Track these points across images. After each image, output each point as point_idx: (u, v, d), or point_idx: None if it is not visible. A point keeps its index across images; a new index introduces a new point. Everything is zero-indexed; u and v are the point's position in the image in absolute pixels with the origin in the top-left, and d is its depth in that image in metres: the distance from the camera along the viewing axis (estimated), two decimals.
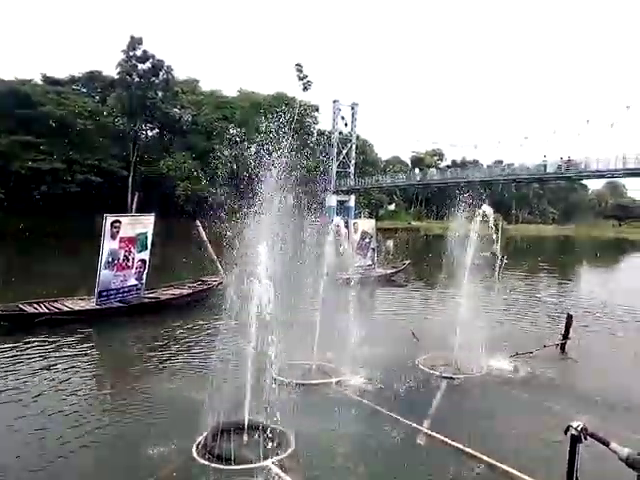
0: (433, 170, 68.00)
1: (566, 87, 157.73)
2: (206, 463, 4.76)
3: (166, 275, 15.08)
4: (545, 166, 46.79)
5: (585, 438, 4.02)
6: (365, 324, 9.40)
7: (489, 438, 5.62)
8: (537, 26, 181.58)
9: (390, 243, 38.62)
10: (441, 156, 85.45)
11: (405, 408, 6.21)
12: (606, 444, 3.86)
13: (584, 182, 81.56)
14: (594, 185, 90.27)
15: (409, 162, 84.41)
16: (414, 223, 74.36)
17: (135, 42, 52.00)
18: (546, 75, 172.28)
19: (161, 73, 54.48)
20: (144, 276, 12.06)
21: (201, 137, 57.94)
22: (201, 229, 8.82)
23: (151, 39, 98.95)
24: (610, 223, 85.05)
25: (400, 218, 76.20)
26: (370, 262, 19.18)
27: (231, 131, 61.09)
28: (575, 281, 25.42)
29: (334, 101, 71.70)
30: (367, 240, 19.16)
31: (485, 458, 4.95)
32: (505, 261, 25.60)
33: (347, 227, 18.67)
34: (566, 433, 4.08)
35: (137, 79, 52.68)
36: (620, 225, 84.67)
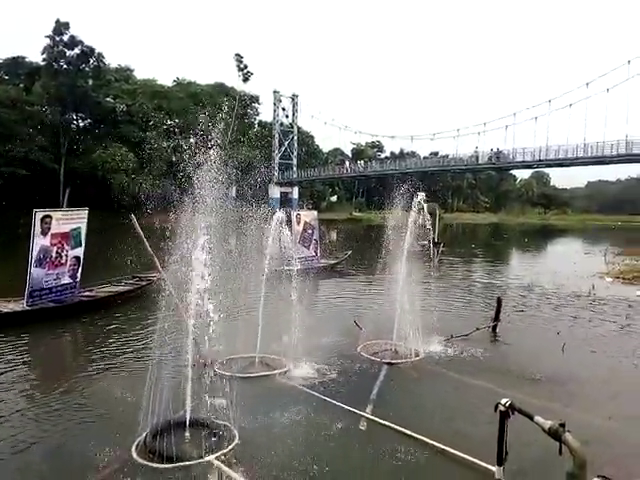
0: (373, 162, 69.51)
1: (495, 82, 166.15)
2: (146, 463, 4.63)
3: (102, 272, 14.44)
4: (477, 157, 49.51)
5: (512, 413, 4.30)
6: (309, 315, 9.48)
7: (427, 419, 5.87)
8: (470, 24, 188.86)
9: (333, 234, 39.13)
10: (380, 148, 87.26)
11: (348, 395, 6.35)
12: (531, 417, 4.14)
13: (512, 172, 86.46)
14: (521, 175, 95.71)
15: (350, 154, 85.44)
16: (356, 214, 75.56)
17: (61, 27, 48.76)
18: (476, 69, 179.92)
19: (91, 60, 51.53)
20: (78, 274, 11.46)
21: (136, 128, 55.48)
22: (136, 223, 8.48)
23: (80, 24, 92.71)
24: (536, 211, 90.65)
25: (342, 209, 77.17)
26: (313, 253, 19.34)
27: (168, 122, 59.13)
28: (506, 265, 26.93)
29: (275, 92, 71.20)
30: (310, 231, 19.30)
31: (424, 439, 5.15)
32: (442, 248, 26.80)
33: (290, 219, 18.74)
34: (495, 410, 4.35)
35: (65, 66, 49.49)
36: (545, 212, 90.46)
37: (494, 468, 4.48)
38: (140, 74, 63.80)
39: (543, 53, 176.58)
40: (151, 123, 55.91)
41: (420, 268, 9.94)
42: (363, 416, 5.78)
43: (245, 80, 69.12)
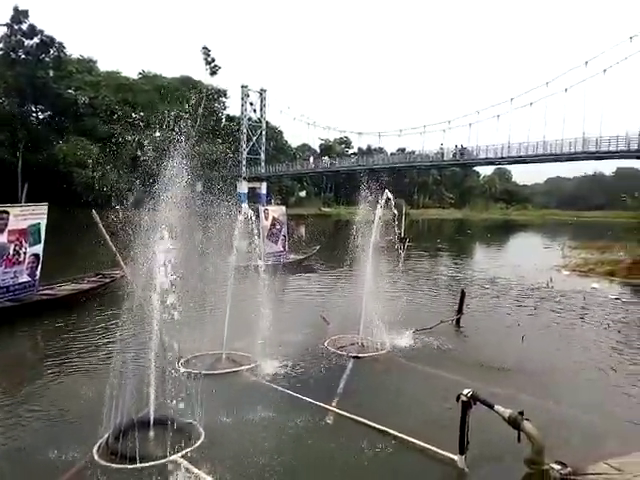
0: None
1: (459, 80, 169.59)
2: (108, 464, 4.53)
3: (64, 270, 13.97)
4: (442, 154, 50.53)
5: (474, 403, 4.43)
6: (276, 310, 9.44)
7: (392, 410, 5.97)
8: (435, 22, 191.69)
9: (302, 229, 39.10)
10: (348, 144, 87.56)
11: (315, 390, 6.39)
12: (491, 407, 4.28)
13: (476, 169, 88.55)
14: (485, 171, 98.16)
15: (318, 149, 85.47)
16: (324, 209, 75.72)
17: (20, 15, 46.62)
18: (442, 68, 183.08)
19: (52, 50, 49.51)
20: (38, 272, 11.03)
21: (100, 121, 53.76)
22: (98, 219, 8.24)
23: (40, 13, 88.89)
24: (499, 206, 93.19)
25: (311, 205, 77.17)
26: (281, 248, 19.29)
27: (133, 115, 57.56)
28: (469, 260, 27.60)
29: (242, 86, 70.34)
30: (278, 227, 19.22)
31: (388, 430, 5.24)
32: (408, 243, 27.25)
33: (258, 214, 18.62)
34: (458, 400, 4.47)
35: (24, 56, 47.39)
36: (507, 208, 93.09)
37: (456, 457, 4.63)
38: (104, 66, 61.86)
39: (506, 52, 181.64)
40: (115, 116, 54.32)
41: (387, 263, 10.07)
42: (329, 410, 5.83)
43: (212, 74, 68.03)
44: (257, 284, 7.93)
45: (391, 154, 68.31)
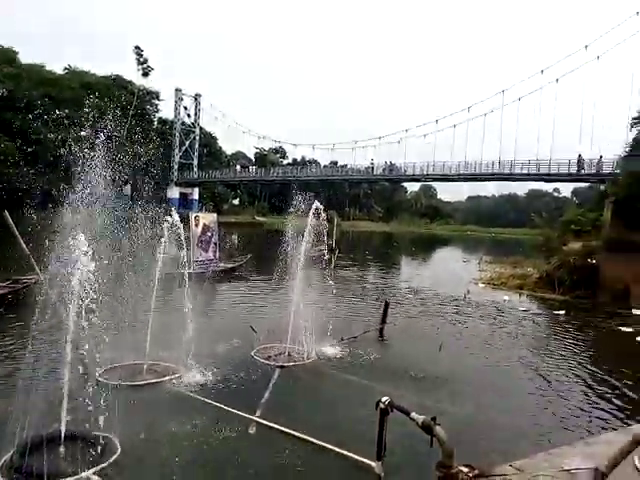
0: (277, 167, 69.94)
1: (389, 99, 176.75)
2: None
3: None
4: (372, 169, 52.43)
5: (391, 410, 4.62)
6: (204, 319, 9.30)
7: (315, 419, 6.08)
8: (367, 41, 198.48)
9: (234, 237, 38.58)
10: (283, 154, 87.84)
11: (239, 400, 6.36)
12: (407, 413, 4.48)
13: (404, 184, 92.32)
14: (412, 187, 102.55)
15: (253, 158, 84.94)
16: (258, 218, 75.14)
17: None
18: (372, 88, 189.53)
19: None
20: None
21: (19, 116, 49.83)
22: (10, 220, 7.69)
23: None
24: (424, 221, 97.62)
25: (244, 213, 76.34)
26: (212, 256, 18.95)
27: (57, 112, 54.01)
28: (395, 271, 28.67)
29: (177, 90, 68.50)
30: (209, 234, 18.89)
31: (310, 439, 5.33)
32: (339, 254, 27.65)
33: (187, 221, 18.18)
34: (376, 408, 4.64)
35: None
36: (431, 223, 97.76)
37: (374, 463, 4.79)
38: (26, 58, 57.48)
39: (433, 78, 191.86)
40: (37, 112, 50.65)
41: (317, 273, 10.24)
42: (253, 420, 5.83)
43: (145, 75, 65.61)
44: (184, 292, 7.77)
45: (324, 166, 69.45)
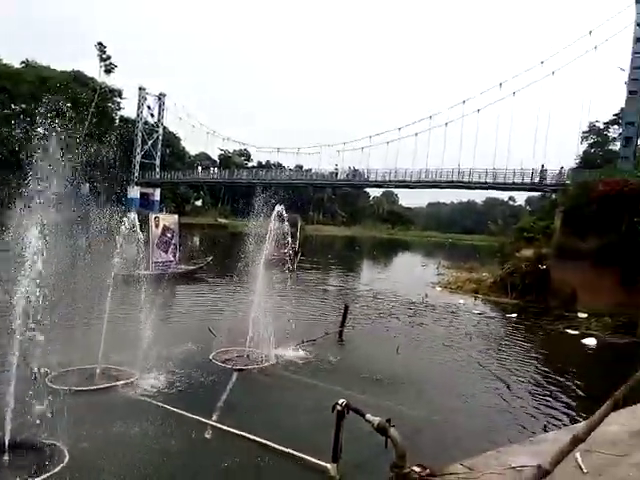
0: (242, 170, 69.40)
1: (354, 105, 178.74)
2: None
3: None
4: (337, 174, 52.92)
5: (348, 412, 4.67)
6: (161, 322, 9.11)
7: (272, 422, 6.08)
8: (333, 49, 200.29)
9: (196, 239, 37.96)
10: (248, 157, 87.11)
11: (195, 404, 6.27)
12: (363, 416, 4.55)
13: (367, 190, 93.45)
14: (374, 193, 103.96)
15: (217, 160, 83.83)
16: (221, 220, 74.13)
17: None
18: (338, 93, 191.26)
19: None
20: None
21: None
22: None
23: None
24: (386, 226, 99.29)
25: (207, 214, 75.18)
26: (171, 258, 18.63)
27: (13, 106, 51.68)
28: (356, 275, 29.01)
29: (140, 88, 66.86)
30: (169, 235, 18.56)
31: (265, 442, 5.32)
32: (302, 257, 27.67)
33: (147, 221, 17.80)
34: (333, 410, 4.68)
35: None
36: (393, 228, 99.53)
37: (329, 465, 4.84)
38: None
39: (396, 87, 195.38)
40: None
41: (279, 276, 10.23)
42: (209, 424, 5.76)
43: (107, 72, 63.76)
44: (142, 294, 7.61)
45: (289, 170, 69.38)
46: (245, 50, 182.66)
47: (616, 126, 38.70)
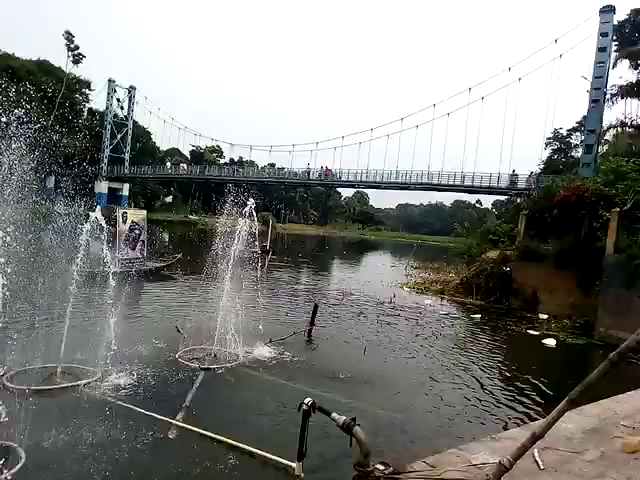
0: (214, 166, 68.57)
1: (328, 106, 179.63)
2: None
3: None
4: (309, 173, 53.00)
5: (314, 411, 4.70)
6: (127, 320, 8.93)
7: (238, 422, 6.07)
8: (311, 49, 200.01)
9: (165, 236, 37.30)
10: (220, 153, 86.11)
11: (160, 404, 6.18)
12: (328, 414, 4.59)
13: (339, 190, 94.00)
14: (346, 193, 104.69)
15: (189, 156, 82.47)
16: (191, 217, 73.04)
17: None
18: (313, 93, 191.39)
19: None
20: None
21: None
22: None
23: None
24: (356, 226, 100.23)
25: (178, 211, 74.02)
26: (139, 255, 18.24)
27: None
28: (326, 274, 29.07)
29: (110, 80, 65.20)
30: (137, 232, 18.17)
31: (231, 442, 5.29)
32: (272, 255, 27.55)
33: (115, 217, 17.40)
34: (299, 409, 4.70)
35: None
36: (364, 228, 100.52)
37: (294, 464, 4.86)
38: None
39: (369, 89, 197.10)
40: None
41: (249, 274, 10.18)
42: (173, 424, 5.68)
43: (75, 62, 61.79)
44: (108, 292, 7.43)
45: (262, 168, 69.02)
46: (215, 49, 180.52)
47: (578, 133, 40.16)
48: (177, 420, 5.78)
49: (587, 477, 3.71)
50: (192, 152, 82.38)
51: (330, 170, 51.09)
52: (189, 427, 5.60)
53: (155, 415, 5.81)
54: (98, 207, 8.48)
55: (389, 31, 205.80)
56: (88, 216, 7.72)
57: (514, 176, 39.52)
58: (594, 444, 4.35)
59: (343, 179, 50.75)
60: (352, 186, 58.82)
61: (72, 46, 61.37)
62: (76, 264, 7.30)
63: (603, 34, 29.53)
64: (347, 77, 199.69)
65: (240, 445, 5.23)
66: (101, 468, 4.63)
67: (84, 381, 6.71)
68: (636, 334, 2.75)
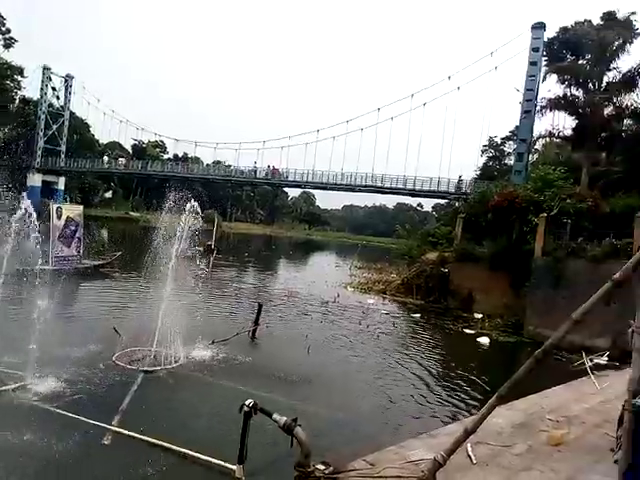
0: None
1: (275, 105, 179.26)
2: None
3: None
4: (256, 172, 52.63)
5: (255, 413, 4.69)
6: (60, 321, 8.47)
7: (177, 425, 5.93)
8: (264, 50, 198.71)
9: (104, 233, 35.66)
10: (164, 149, 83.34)
11: (94, 408, 5.94)
12: (270, 415, 4.59)
13: (286, 189, 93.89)
14: (293, 193, 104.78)
15: (130, 150, 79.20)
16: (132, 213, 70.26)
17: None
18: (262, 90, 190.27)
19: None
20: None
21: None
22: None
23: None
24: (303, 226, 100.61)
25: (118, 207, 70.95)
26: (75, 252, 17.38)
27: None
28: (272, 274, 29.00)
29: (45, 68, 61.17)
30: (73, 228, 17.30)
31: (169, 446, 5.17)
32: (217, 254, 27.08)
33: (47, 211, 16.55)
34: (240, 411, 4.67)
35: None
36: (310, 228, 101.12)
37: (235, 467, 4.82)
38: None
39: (316, 91, 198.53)
40: None
41: (192, 273, 9.96)
42: (108, 429, 5.48)
43: (7, 46, 57.56)
44: (40, 291, 7.03)
45: (207, 165, 67.52)
46: (159, 43, 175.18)
47: (511, 142, 42.39)
48: (113, 425, 5.59)
49: (515, 470, 3.97)
50: (134, 146, 79.19)
51: (277, 169, 50.94)
52: (125, 432, 5.42)
53: (89, 420, 5.58)
54: (27, 200, 7.97)
55: (336, 35, 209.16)
56: (18, 209, 7.30)
57: (460, 182, 41.18)
58: (522, 438, 4.66)
59: (290, 179, 50.75)
60: (299, 186, 58.89)
61: (3, 29, 57.24)
62: (6, 261, 6.88)
63: (534, 49, 31.36)
64: (294, 77, 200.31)
65: (179, 449, 5.13)
66: (26, 476, 4.40)
67: (13, 385, 6.35)
68: (558, 332, 2.99)
